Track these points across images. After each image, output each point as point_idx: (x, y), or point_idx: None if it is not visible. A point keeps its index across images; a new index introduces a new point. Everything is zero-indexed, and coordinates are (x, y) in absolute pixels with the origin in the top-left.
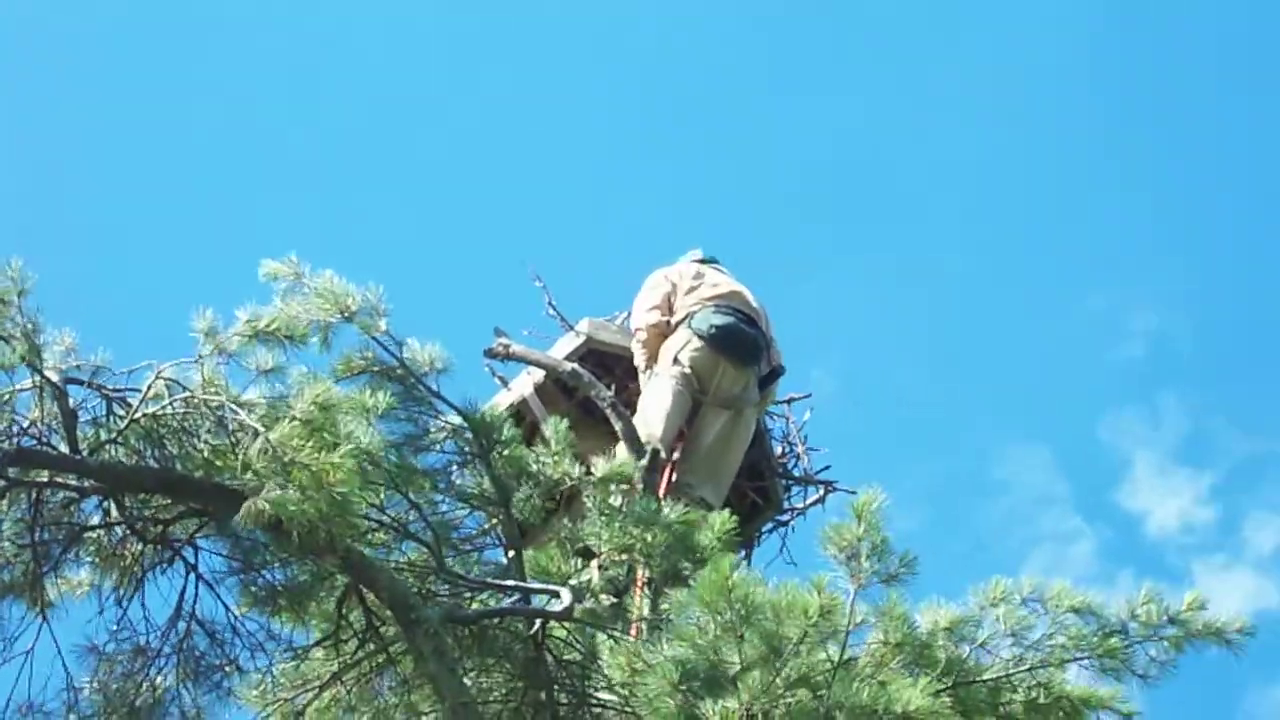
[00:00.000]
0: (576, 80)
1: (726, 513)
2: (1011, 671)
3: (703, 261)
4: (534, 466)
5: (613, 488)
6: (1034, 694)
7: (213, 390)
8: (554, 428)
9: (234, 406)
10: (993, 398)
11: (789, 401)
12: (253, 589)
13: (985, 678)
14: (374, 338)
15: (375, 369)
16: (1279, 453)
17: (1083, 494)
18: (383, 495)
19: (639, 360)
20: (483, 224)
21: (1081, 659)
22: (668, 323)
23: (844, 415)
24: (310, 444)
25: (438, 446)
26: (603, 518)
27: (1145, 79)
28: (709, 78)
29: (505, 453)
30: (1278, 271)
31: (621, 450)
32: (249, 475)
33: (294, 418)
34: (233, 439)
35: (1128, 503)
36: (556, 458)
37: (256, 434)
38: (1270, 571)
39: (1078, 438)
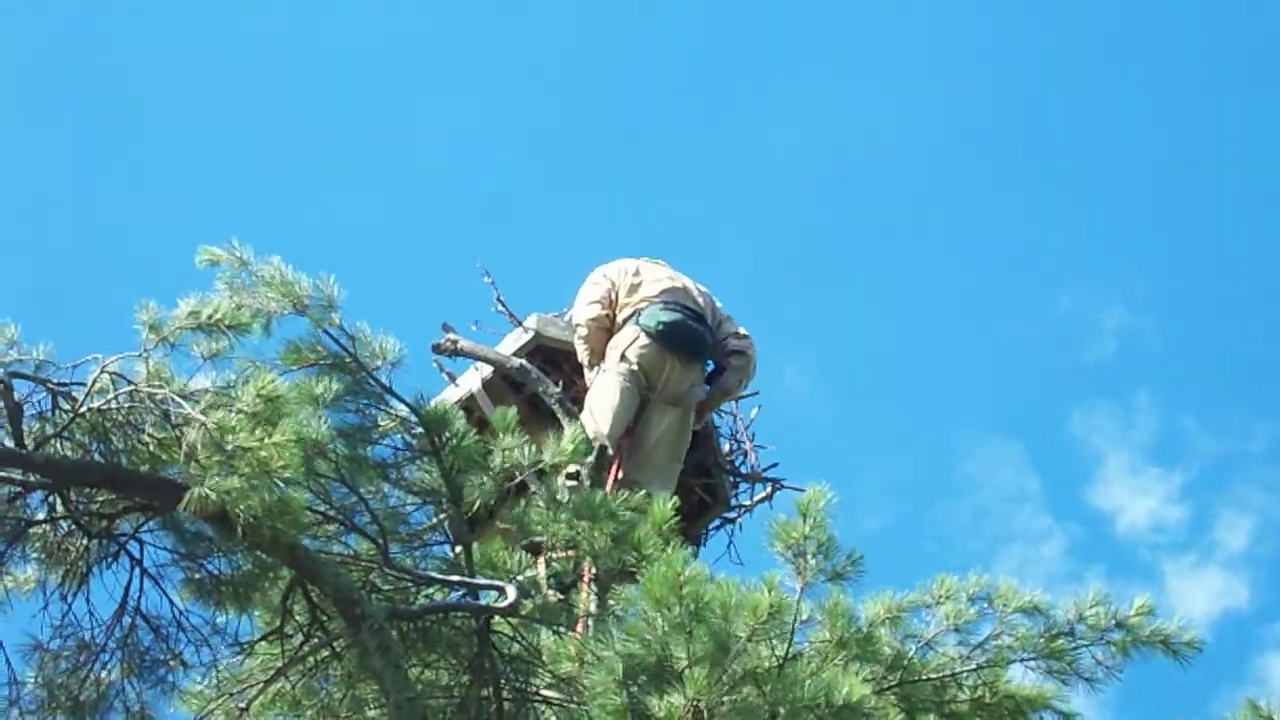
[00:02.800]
0: (529, 76)
1: (668, 502)
2: (957, 670)
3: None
4: (486, 459)
5: (560, 482)
6: (980, 692)
7: (157, 383)
8: (500, 417)
9: (178, 399)
10: (965, 395)
11: (738, 399)
12: (196, 578)
13: (930, 676)
14: (325, 330)
15: (326, 361)
16: (1250, 452)
17: (1053, 492)
18: (329, 487)
19: (581, 356)
20: (432, 218)
21: (1028, 660)
22: (609, 318)
23: (815, 413)
24: (255, 431)
25: (385, 441)
26: (548, 511)
27: (1115, 80)
28: (670, 75)
29: (455, 445)
30: (1247, 271)
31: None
32: (193, 466)
33: (240, 410)
34: (178, 432)
35: (1098, 501)
36: (507, 449)
37: (200, 424)
38: (1239, 571)
39: (1049, 435)
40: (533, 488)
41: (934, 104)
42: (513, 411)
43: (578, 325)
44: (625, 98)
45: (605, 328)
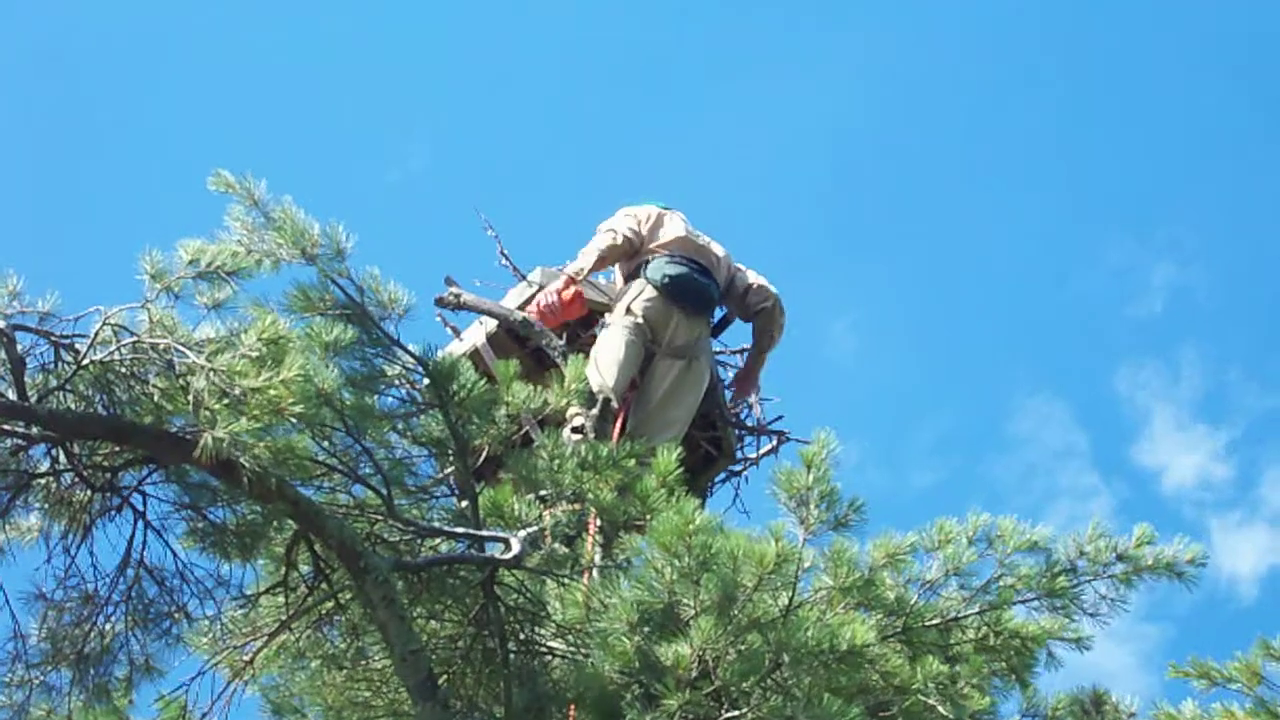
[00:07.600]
0: (536, 30)
1: (672, 453)
2: (961, 614)
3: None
4: (491, 410)
5: (565, 435)
6: (983, 633)
7: (160, 333)
8: (502, 368)
9: (180, 348)
10: (1012, 352)
11: (741, 352)
12: (200, 528)
13: (933, 620)
14: (333, 279)
15: (333, 311)
16: None
17: (1100, 449)
18: (333, 436)
19: (587, 258)
20: (435, 172)
21: (1030, 599)
22: (626, 239)
23: (863, 371)
24: (260, 373)
25: (391, 392)
26: (553, 462)
27: (1162, 32)
28: (678, 27)
29: (464, 397)
30: None
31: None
32: (203, 414)
33: (243, 355)
34: (182, 381)
35: (1144, 459)
36: (512, 398)
37: (205, 370)
38: None
39: (1096, 392)
40: (537, 440)
41: (980, 53)
42: (514, 363)
43: (611, 229)
44: (643, 45)
45: (626, 253)
